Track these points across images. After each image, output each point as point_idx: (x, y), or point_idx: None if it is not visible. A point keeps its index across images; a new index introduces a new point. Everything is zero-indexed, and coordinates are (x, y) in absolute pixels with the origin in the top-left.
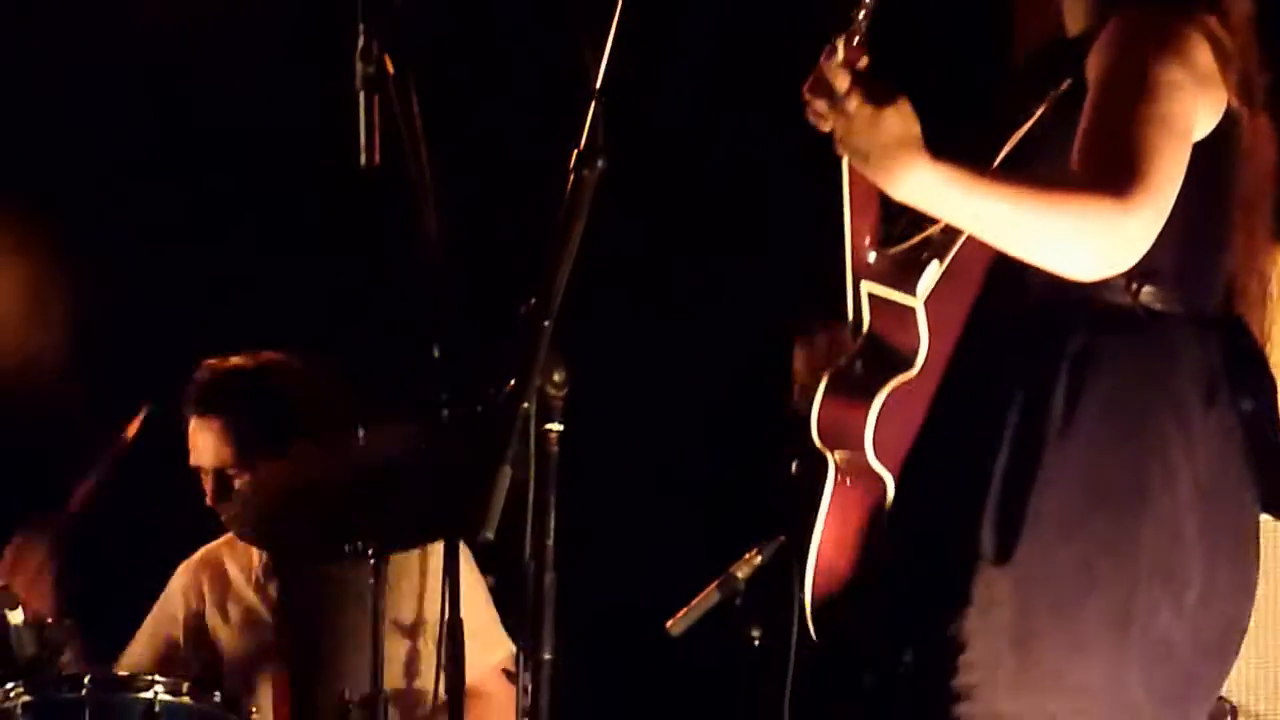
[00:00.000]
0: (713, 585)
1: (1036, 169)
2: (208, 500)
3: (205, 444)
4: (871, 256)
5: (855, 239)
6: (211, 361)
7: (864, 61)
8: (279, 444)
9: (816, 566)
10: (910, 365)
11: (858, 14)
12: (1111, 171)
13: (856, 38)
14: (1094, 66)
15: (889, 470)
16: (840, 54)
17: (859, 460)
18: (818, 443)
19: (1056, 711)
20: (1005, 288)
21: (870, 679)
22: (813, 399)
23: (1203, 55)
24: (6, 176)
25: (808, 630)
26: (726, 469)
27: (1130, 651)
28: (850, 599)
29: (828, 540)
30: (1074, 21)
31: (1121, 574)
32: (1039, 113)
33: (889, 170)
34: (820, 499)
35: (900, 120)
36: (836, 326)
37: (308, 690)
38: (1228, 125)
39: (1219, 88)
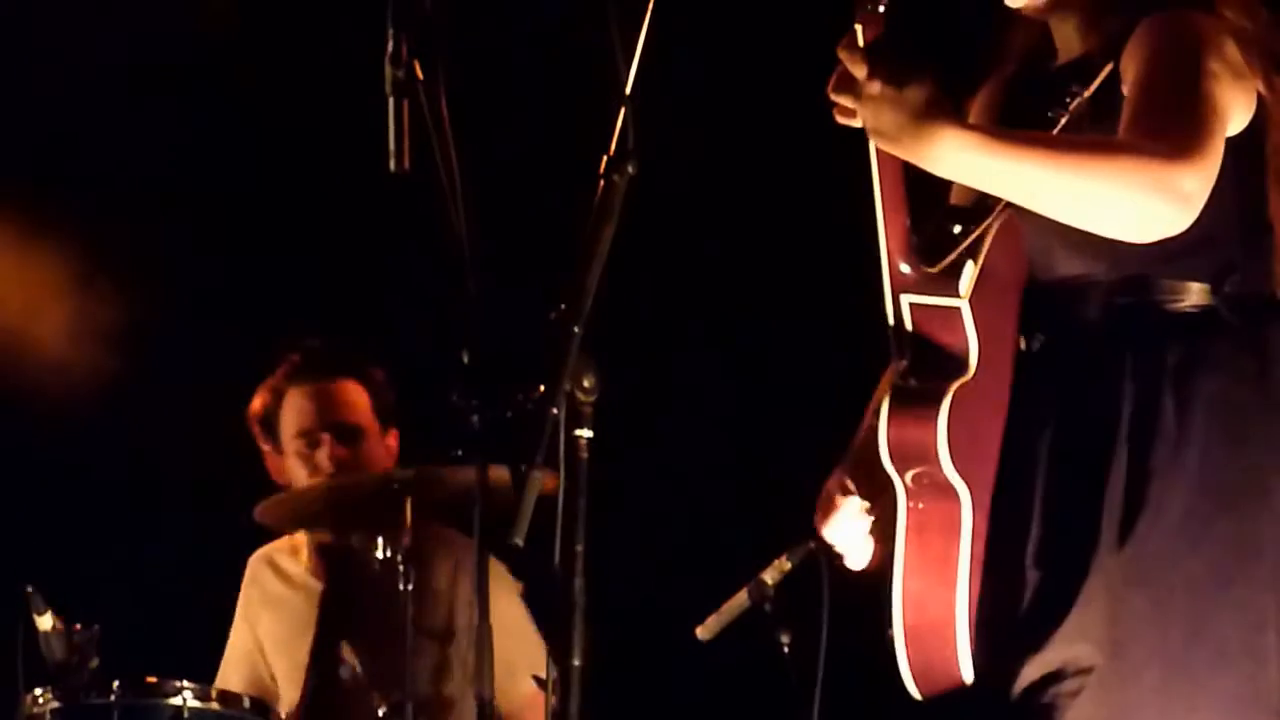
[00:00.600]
0: (742, 591)
1: None
2: (325, 462)
3: (355, 396)
4: (905, 268)
5: (890, 251)
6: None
7: (877, 31)
8: (387, 422)
9: (906, 606)
10: (965, 368)
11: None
12: (1164, 131)
13: (873, 14)
14: (1133, 55)
15: (965, 482)
16: (860, 37)
17: (934, 475)
18: (888, 467)
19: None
20: (1058, 301)
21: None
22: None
23: (1231, 50)
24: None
25: (905, 686)
26: (757, 475)
27: (1270, 654)
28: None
29: (913, 573)
30: (1070, 47)
31: (1251, 576)
32: (1064, 117)
33: (920, 142)
34: (895, 530)
35: (924, 91)
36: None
37: (336, 689)
38: (1261, 115)
39: (1249, 80)
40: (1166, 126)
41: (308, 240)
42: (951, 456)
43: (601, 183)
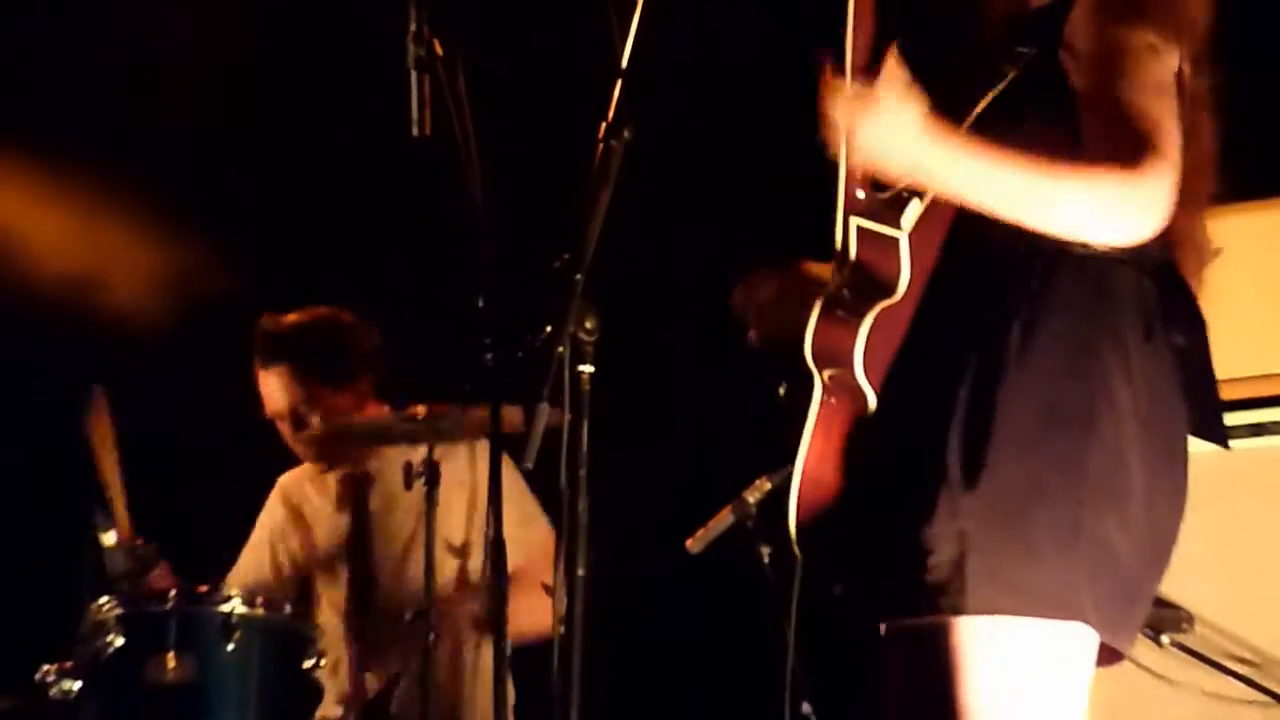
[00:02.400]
0: (727, 508)
1: (1008, 129)
2: (287, 441)
3: (274, 389)
4: (861, 194)
5: (848, 179)
6: (271, 315)
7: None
8: (340, 381)
9: (802, 478)
10: (893, 291)
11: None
12: (1119, 143)
13: (861, 33)
14: (1075, 37)
15: (872, 387)
16: (849, 53)
17: (847, 377)
18: (809, 362)
19: (1011, 609)
20: (971, 228)
21: (841, 587)
22: (797, 325)
23: (1165, 11)
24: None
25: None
26: (741, 407)
27: (1078, 559)
28: (833, 512)
29: (813, 454)
30: None
31: (1070, 490)
32: (1010, 76)
33: (901, 161)
34: (807, 416)
35: (904, 111)
36: (791, 269)
37: (369, 600)
38: (1177, 79)
39: (1175, 48)
40: (1123, 137)
41: (338, 199)
42: (865, 368)
43: (600, 147)
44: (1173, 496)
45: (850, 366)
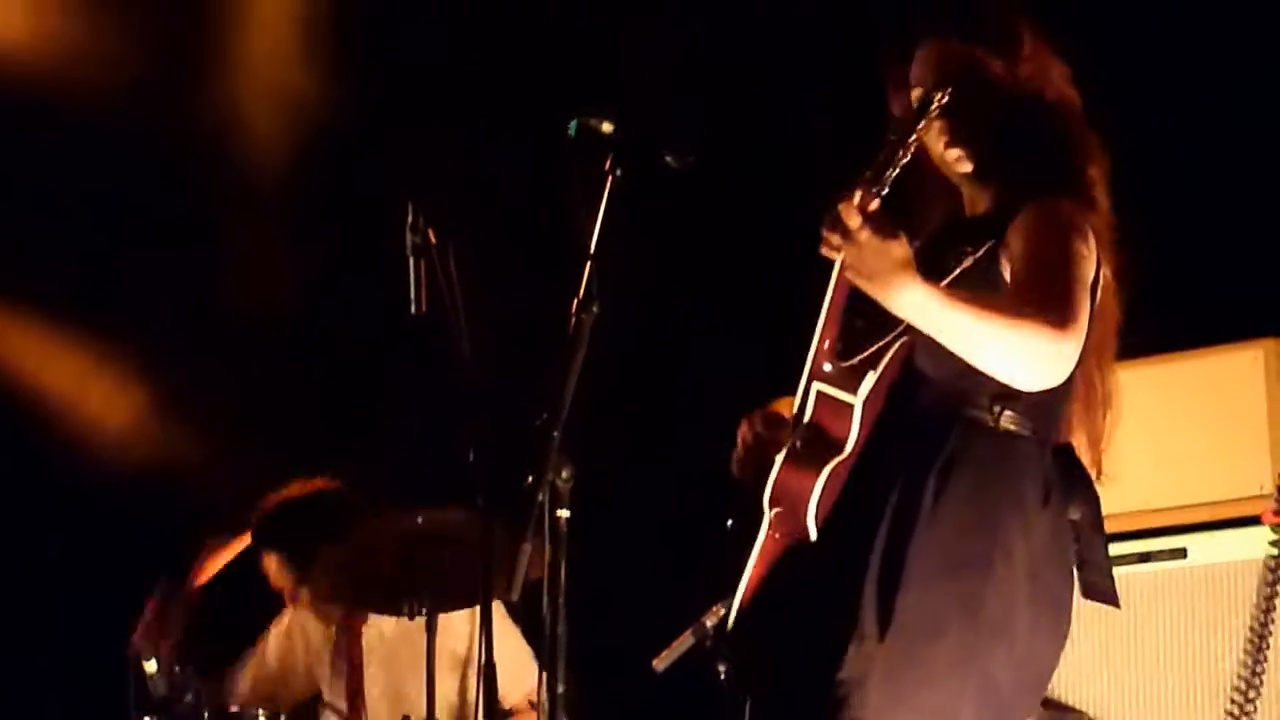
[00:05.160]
0: (688, 631)
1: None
2: (285, 600)
3: (271, 570)
4: (827, 366)
5: (819, 348)
6: (267, 499)
7: (875, 205)
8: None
9: (743, 598)
10: (842, 449)
11: (883, 172)
12: (1050, 307)
13: (874, 189)
14: (1019, 233)
15: (817, 528)
16: (857, 199)
17: (795, 519)
18: (764, 501)
19: None
20: (904, 396)
21: (763, 695)
22: (755, 469)
23: (1091, 237)
24: None
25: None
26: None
27: (967, 685)
28: (758, 627)
29: (754, 579)
30: (974, 206)
31: (965, 626)
32: (965, 264)
33: (890, 288)
34: (752, 546)
35: (900, 249)
36: (775, 413)
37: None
38: (1091, 295)
39: (1094, 263)
40: (1054, 304)
41: (352, 369)
42: (815, 513)
43: (572, 320)
44: (1053, 642)
45: (804, 509)
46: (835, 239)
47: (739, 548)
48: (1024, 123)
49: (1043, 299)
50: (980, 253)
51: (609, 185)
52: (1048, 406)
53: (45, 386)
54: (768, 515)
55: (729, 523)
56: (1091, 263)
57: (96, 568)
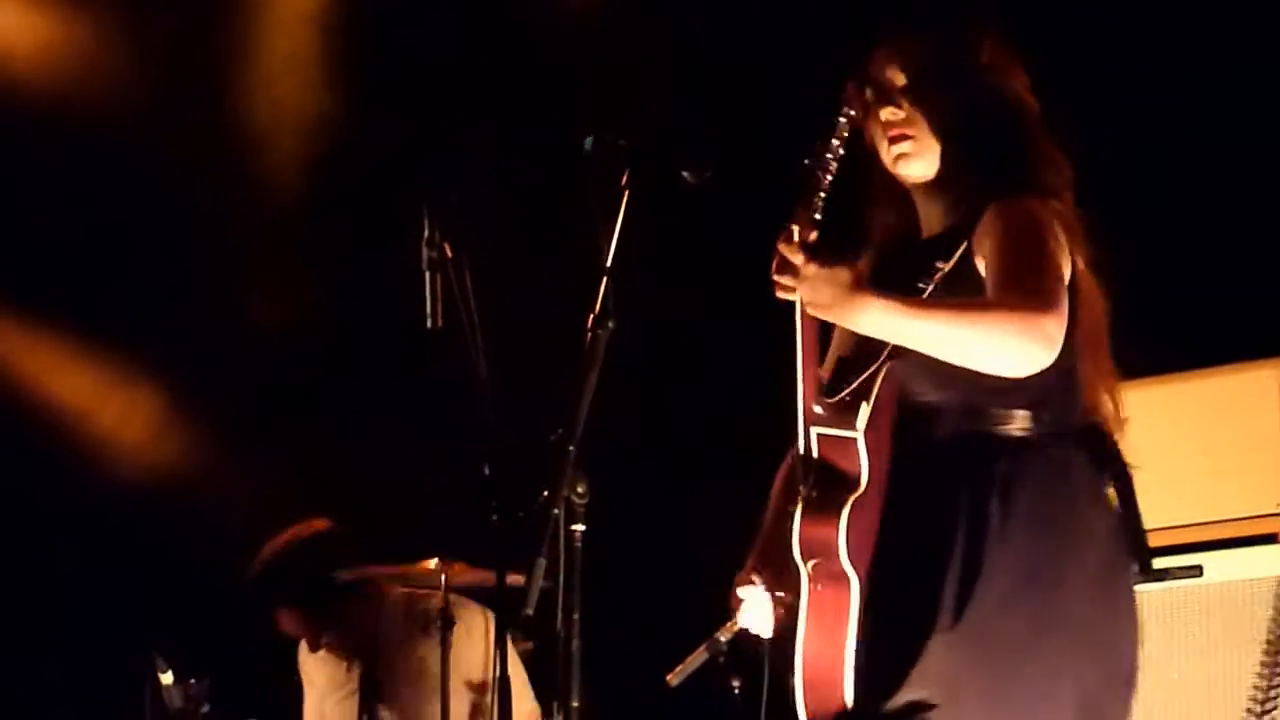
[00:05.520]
0: (702, 646)
1: None
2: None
3: (286, 624)
4: (817, 409)
5: (806, 393)
6: (265, 553)
7: (813, 236)
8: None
9: (805, 664)
10: (858, 484)
11: (812, 200)
12: (1027, 291)
13: (808, 220)
14: (988, 231)
15: (856, 571)
16: (796, 235)
17: (832, 566)
18: (796, 558)
19: None
20: (916, 432)
21: None
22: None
23: (1058, 229)
24: None
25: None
26: (713, 556)
27: (1065, 700)
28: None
29: (811, 639)
30: (930, 223)
31: (1052, 643)
32: (929, 288)
33: (848, 310)
34: (799, 608)
35: (847, 272)
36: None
37: None
38: (1073, 284)
39: (1068, 254)
40: (1031, 286)
41: (367, 388)
42: (847, 553)
43: (589, 335)
44: (1130, 633)
45: (836, 556)
46: (786, 279)
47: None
48: (983, 122)
49: (1018, 286)
50: (952, 262)
51: (625, 200)
52: (1065, 402)
53: (59, 398)
54: (805, 571)
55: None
56: (1064, 255)
57: (112, 578)
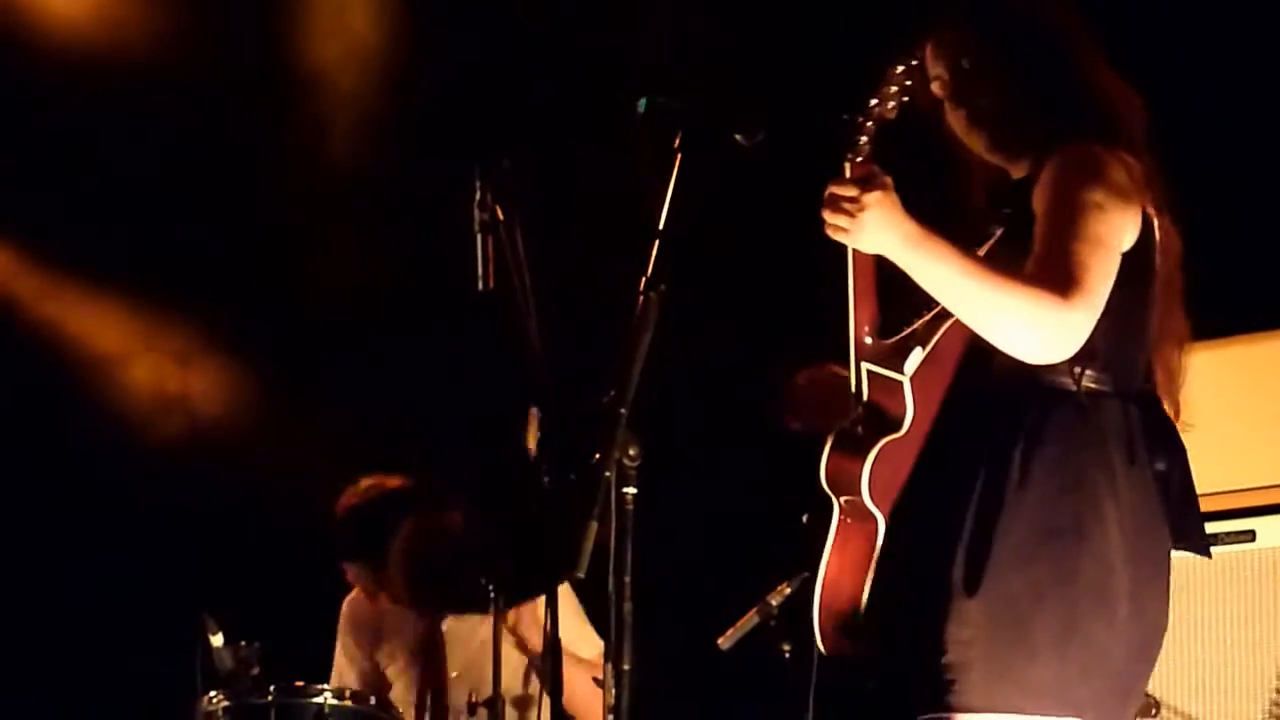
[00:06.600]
0: (753, 610)
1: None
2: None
3: (355, 577)
4: (869, 341)
5: (857, 328)
6: (341, 502)
7: (866, 170)
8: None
9: (823, 590)
10: (899, 427)
11: (860, 139)
12: (1055, 277)
13: (859, 158)
14: (1038, 198)
15: (881, 511)
16: (847, 173)
17: (858, 503)
18: (825, 489)
19: (1013, 707)
20: (975, 370)
21: (871, 682)
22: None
23: (1119, 176)
24: None
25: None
26: (766, 519)
27: (1074, 657)
28: (854, 618)
29: (832, 568)
30: (1016, 170)
31: (1065, 597)
32: (997, 234)
33: (885, 240)
34: (826, 536)
35: (890, 204)
36: (831, 371)
37: (440, 694)
38: (1147, 231)
39: (1136, 201)
40: (1060, 274)
41: (422, 350)
42: (870, 493)
43: (641, 298)
44: (1158, 601)
45: (859, 494)
46: (839, 220)
47: (814, 536)
48: (1038, 69)
49: (1050, 268)
50: (1010, 218)
51: (678, 163)
52: (1127, 357)
53: (106, 353)
54: (836, 503)
55: (804, 516)
56: (1112, 213)
57: (162, 538)
